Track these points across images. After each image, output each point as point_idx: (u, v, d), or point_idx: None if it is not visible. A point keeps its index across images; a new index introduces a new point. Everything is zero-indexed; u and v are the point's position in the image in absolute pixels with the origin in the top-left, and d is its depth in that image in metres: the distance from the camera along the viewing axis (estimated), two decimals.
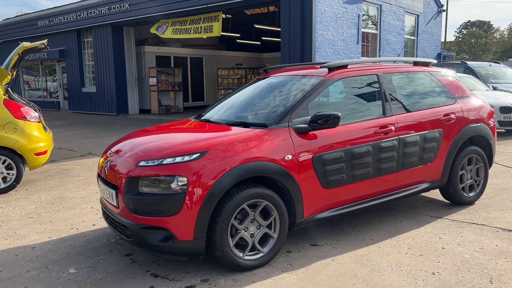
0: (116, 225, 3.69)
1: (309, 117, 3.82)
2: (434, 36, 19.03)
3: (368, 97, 4.45)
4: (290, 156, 3.67)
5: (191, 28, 15.23)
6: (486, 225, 4.47)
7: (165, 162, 3.35)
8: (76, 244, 4.24)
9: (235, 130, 3.84)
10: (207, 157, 3.36)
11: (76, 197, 5.89)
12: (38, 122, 6.57)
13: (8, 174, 6.26)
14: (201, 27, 15.01)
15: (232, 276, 3.47)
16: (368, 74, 4.47)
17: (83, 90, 20.11)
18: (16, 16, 27.50)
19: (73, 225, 4.77)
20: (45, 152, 6.58)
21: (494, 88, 12.99)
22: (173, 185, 3.26)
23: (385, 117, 4.34)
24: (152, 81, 18.60)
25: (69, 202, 5.69)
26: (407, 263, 3.65)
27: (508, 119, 10.58)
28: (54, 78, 22.68)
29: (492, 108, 5.38)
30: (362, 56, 14.47)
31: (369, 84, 4.46)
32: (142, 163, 3.42)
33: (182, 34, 15.66)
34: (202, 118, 4.62)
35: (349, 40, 13.68)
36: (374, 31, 15.13)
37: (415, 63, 5.05)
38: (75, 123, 16.00)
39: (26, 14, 27.44)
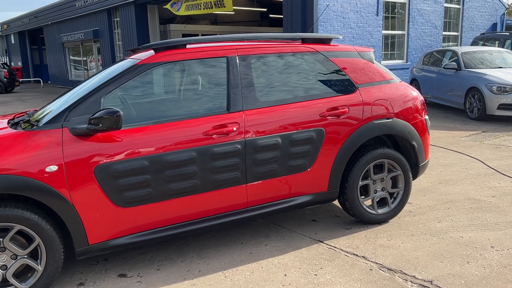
0: None
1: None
2: (487, 3, 16.55)
3: (208, 87, 3.43)
4: (54, 167, 2.83)
5: (201, 3, 14.43)
6: (366, 258, 3.33)
7: None
8: None
9: None
10: None
11: None
12: None
13: None
14: (211, 2, 14.16)
15: None
16: (214, 56, 3.42)
17: None
18: None
19: None
20: None
21: None
22: None
23: (229, 113, 3.32)
24: None
25: None
26: None
27: None
28: (93, 58, 23.02)
29: (421, 99, 4.08)
30: (384, 30, 12.83)
31: (212, 70, 3.42)
32: None
33: (194, 10, 14.90)
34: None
35: (365, 12, 12.11)
36: (402, 0, 13.33)
37: (304, 41, 3.87)
38: None
39: None
